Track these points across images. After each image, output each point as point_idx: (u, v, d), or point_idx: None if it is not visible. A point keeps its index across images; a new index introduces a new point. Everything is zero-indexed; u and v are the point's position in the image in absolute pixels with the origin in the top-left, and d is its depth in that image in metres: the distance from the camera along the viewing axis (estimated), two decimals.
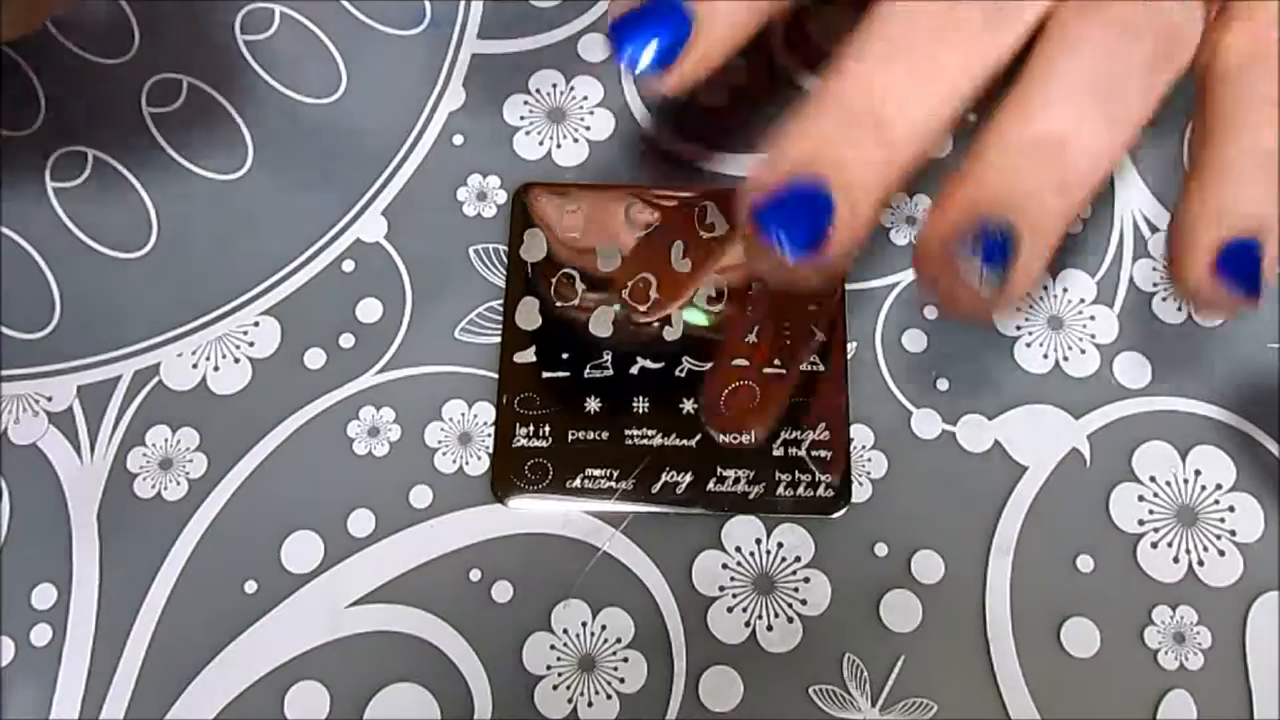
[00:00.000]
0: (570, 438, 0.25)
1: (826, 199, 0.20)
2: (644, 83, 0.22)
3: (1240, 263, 0.20)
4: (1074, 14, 0.21)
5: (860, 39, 0.21)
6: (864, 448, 0.25)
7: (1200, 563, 0.24)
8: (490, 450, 0.25)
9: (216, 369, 0.26)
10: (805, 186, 0.20)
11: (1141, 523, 0.24)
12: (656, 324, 0.26)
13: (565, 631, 0.24)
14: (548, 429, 0.25)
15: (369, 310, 0.26)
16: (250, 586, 0.24)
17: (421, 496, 0.25)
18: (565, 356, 0.26)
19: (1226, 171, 0.21)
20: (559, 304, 0.26)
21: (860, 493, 0.25)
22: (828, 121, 0.20)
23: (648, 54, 0.21)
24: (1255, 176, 0.20)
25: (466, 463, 0.25)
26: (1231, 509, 0.24)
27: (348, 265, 0.27)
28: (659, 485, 0.24)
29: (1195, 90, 0.22)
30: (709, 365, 0.25)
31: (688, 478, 0.25)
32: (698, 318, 0.26)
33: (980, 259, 0.19)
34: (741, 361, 0.25)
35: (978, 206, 0.20)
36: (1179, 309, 0.26)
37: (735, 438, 0.25)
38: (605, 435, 0.25)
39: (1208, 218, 0.21)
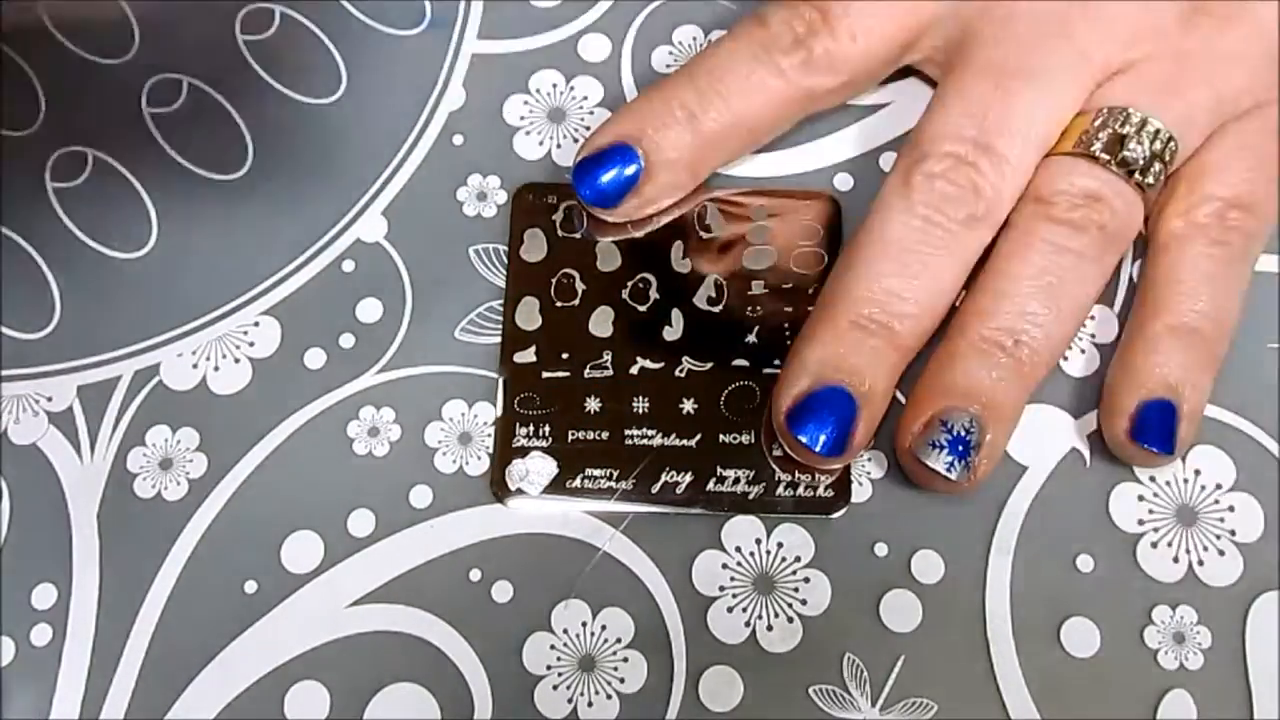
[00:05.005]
0: (570, 438, 0.25)
1: (850, 404, 0.23)
2: (596, 213, 0.26)
3: (1155, 425, 0.23)
4: (1026, 216, 0.24)
5: (858, 246, 0.24)
6: None
7: (1200, 563, 0.24)
8: (490, 450, 0.25)
9: (216, 369, 0.26)
10: (829, 394, 0.23)
11: (1141, 522, 0.24)
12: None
13: (565, 631, 0.24)
14: (548, 429, 0.25)
15: (369, 310, 0.26)
16: (250, 586, 0.24)
17: (421, 496, 0.25)
18: (565, 356, 0.26)
19: (1153, 343, 0.24)
20: (559, 304, 0.26)
21: (860, 493, 0.25)
22: (844, 327, 0.23)
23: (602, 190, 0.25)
24: (1174, 348, 0.24)
25: (466, 463, 0.25)
26: (1231, 509, 0.24)
27: (348, 265, 0.27)
28: (659, 485, 0.24)
29: (1145, 249, 0.26)
30: (709, 366, 0.25)
31: (688, 478, 0.24)
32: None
33: (947, 452, 0.23)
34: (741, 362, 0.26)
35: (946, 398, 0.23)
36: None
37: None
38: (605, 435, 0.25)
39: (1129, 385, 0.24)
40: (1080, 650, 0.23)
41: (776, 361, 0.25)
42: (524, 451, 0.25)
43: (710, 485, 0.24)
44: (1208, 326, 0.24)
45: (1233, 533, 0.24)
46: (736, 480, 0.24)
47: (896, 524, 0.24)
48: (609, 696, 0.23)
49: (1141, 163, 0.24)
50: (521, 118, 0.29)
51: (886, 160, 0.28)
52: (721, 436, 0.25)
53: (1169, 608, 0.24)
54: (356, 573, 0.24)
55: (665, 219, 0.27)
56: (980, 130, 0.24)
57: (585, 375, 0.25)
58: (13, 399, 0.26)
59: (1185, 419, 0.23)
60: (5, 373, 0.26)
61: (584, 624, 0.24)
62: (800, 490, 0.24)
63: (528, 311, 0.26)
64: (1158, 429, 0.23)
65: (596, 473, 0.25)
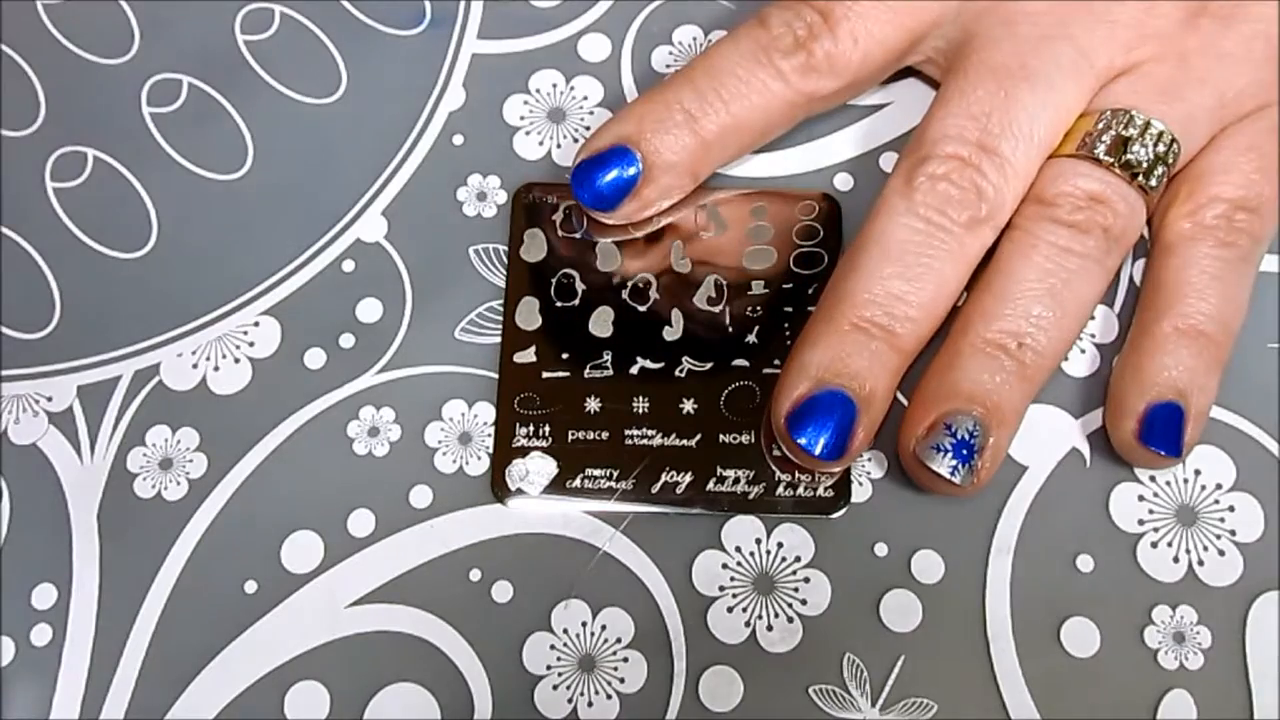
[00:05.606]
0: (570, 438, 0.25)
1: (850, 408, 0.23)
2: (595, 215, 0.26)
3: (1163, 428, 0.23)
4: (1029, 219, 0.24)
5: (859, 248, 0.24)
6: None
7: (1200, 563, 0.24)
8: (490, 450, 0.25)
9: (216, 369, 0.26)
10: (829, 398, 0.23)
11: (1141, 522, 0.24)
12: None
13: (565, 631, 0.24)
14: (548, 429, 0.25)
15: (369, 310, 0.26)
16: (250, 586, 0.24)
17: (421, 496, 0.25)
18: (565, 356, 0.26)
19: (1160, 345, 0.24)
20: (559, 304, 0.26)
21: (860, 493, 0.25)
22: (845, 329, 0.23)
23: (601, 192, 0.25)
24: (1181, 350, 0.24)
25: (466, 463, 0.25)
26: (1231, 509, 0.24)
27: (348, 265, 0.27)
28: (659, 485, 0.24)
29: (1148, 249, 0.26)
30: (710, 365, 0.25)
31: (688, 478, 0.24)
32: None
33: (950, 455, 0.23)
34: (741, 362, 0.26)
35: (949, 401, 0.23)
36: None
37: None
38: (605, 435, 0.25)
39: (1137, 387, 0.24)
40: (1080, 650, 0.23)
41: (776, 361, 0.25)
42: (524, 451, 0.25)
43: (710, 485, 0.24)
44: (1215, 329, 0.24)
45: (1233, 533, 0.24)
46: (736, 480, 0.24)
47: (896, 524, 0.24)
48: (609, 696, 0.23)
49: (1145, 165, 0.24)
50: (521, 118, 0.29)
51: (886, 160, 0.28)
52: (721, 436, 0.25)
53: (1169, 608, 0.24)
54: (356, 573, 0.24)
55: (665, 220, 0.27)
56: (983, 132, 0.24)
57: (585, 375, 0.25)
58: (13, 399, 0.26)
59: (1192, 421, 0.23)
60: (5, 373, 0.26)
61: (584, 624, 0.24)
62: (800, 490, 0.24)
63: (528, 311, 0.26)
64: (1166, 431, 0.23)
65: (596, 473, 0.25)
